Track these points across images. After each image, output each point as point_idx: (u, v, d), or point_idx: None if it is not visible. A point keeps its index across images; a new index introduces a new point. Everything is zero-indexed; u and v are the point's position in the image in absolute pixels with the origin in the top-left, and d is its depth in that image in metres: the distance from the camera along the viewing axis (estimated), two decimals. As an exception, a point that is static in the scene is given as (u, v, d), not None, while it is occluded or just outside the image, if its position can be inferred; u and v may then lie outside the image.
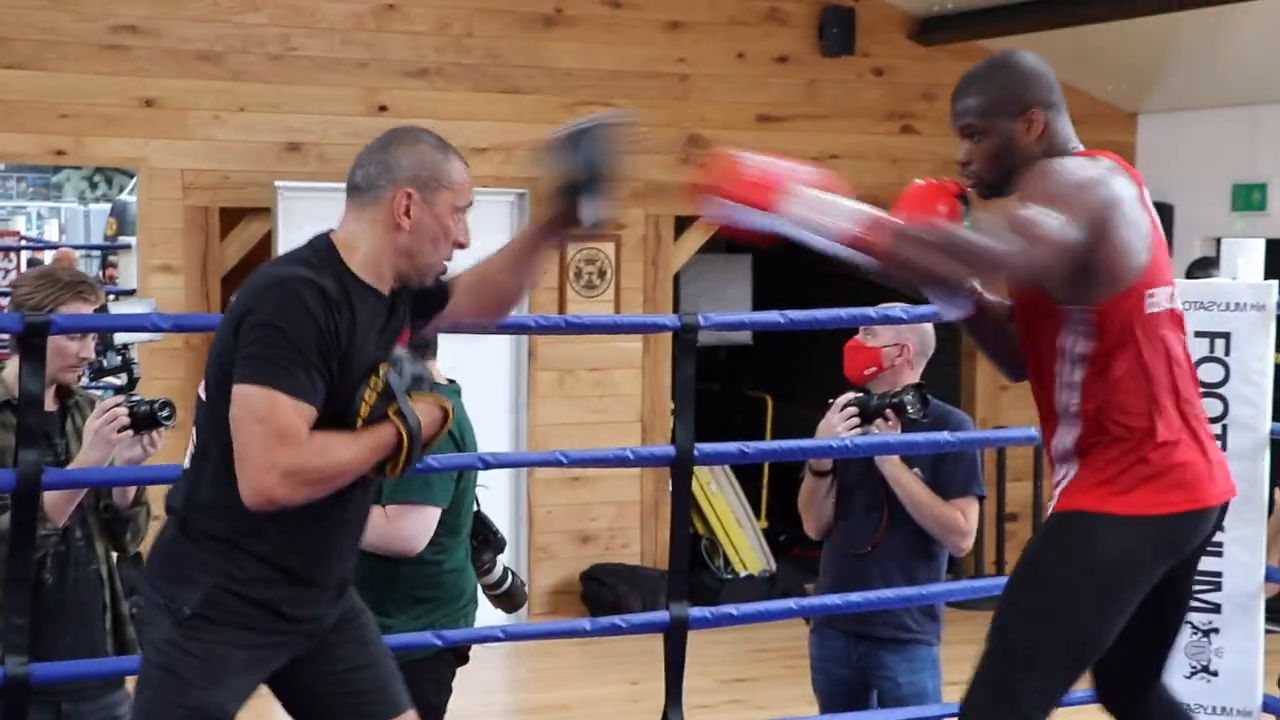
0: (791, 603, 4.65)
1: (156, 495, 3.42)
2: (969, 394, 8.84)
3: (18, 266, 11.62)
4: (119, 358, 4.12)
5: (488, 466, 3.88)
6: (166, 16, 7.64)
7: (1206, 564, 3.96)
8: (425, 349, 4.01)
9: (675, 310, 8.58)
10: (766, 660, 7.59)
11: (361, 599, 3.32)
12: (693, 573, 8.32)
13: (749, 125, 8.63)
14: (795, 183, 2.93)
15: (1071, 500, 3.12)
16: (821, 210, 2.90)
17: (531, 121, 8.10)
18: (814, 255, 2.99)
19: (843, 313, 4.18)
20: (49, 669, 3.54)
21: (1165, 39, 8.40)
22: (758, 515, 9.52)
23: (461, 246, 3.08)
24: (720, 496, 9.21)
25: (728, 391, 11.01)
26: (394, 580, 3.89)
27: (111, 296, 7.89)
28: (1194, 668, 4.34)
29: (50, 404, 3.69)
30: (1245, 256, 4.40)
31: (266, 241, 7.73)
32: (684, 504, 4.06)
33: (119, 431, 3.61)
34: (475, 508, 4.10)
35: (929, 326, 4.34)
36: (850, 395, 4.31)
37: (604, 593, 8.26)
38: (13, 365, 3.66)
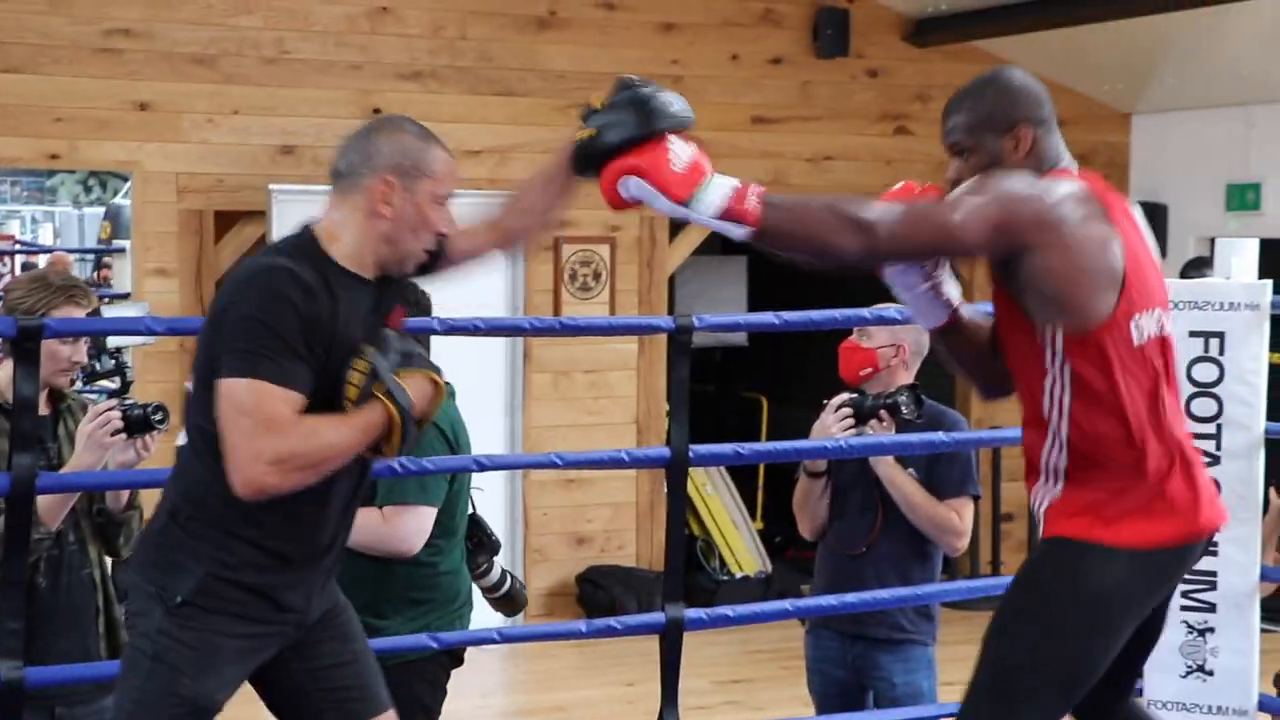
0: (787, 604, 4.65)
1: (150, 499, 3.41)
2: (964, 394, 8.83)
3: (12, 270, 11.62)
4: (112, 361, 4.12)
5: (483, 468, 3.88)
6: (160, 20, 7.64)
7: (1202, 563, 3.96)
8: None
9: (670, 312, 8.58)
10: (762, 661, 7.60)
11: (356, 600, 3.32)
12: (688, 574, 8.29)
13: (743, 127, 8.64)
14: (707, 174, 2.90)
15: (1062, 526, 3.06)
16: (714, 194, 2.88)
17: (525, 124, 8.11)
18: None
19: (837, 314, 4.18)
20: (44, 673, 3.54)
21: (1159, 39, 8.40)
22: (753, 516, 9.52)
23: (443, 235, 3.07)
24: (716, 498, 9.21)
25: (723, 393, 11.02)
26: (388, 581, 3.89)
27: (105, 300, 7.90)
28: (1189, 667, 4.34)
29: (42, 408, 3.68)
30: (1239, 256, 4.40)
31: (261, 244, 7.71)
32: (679, 505, 4.06)
33: (112, 435, 3.60)
34: (471, 510, 4.10)
35: (923, 327, 4.34)
36: (844, 396, 4.31)
37: (600, 595, 8.26)
38: (4, 369, 3.65)
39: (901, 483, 4.27)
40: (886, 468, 4.27)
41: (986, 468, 8.75)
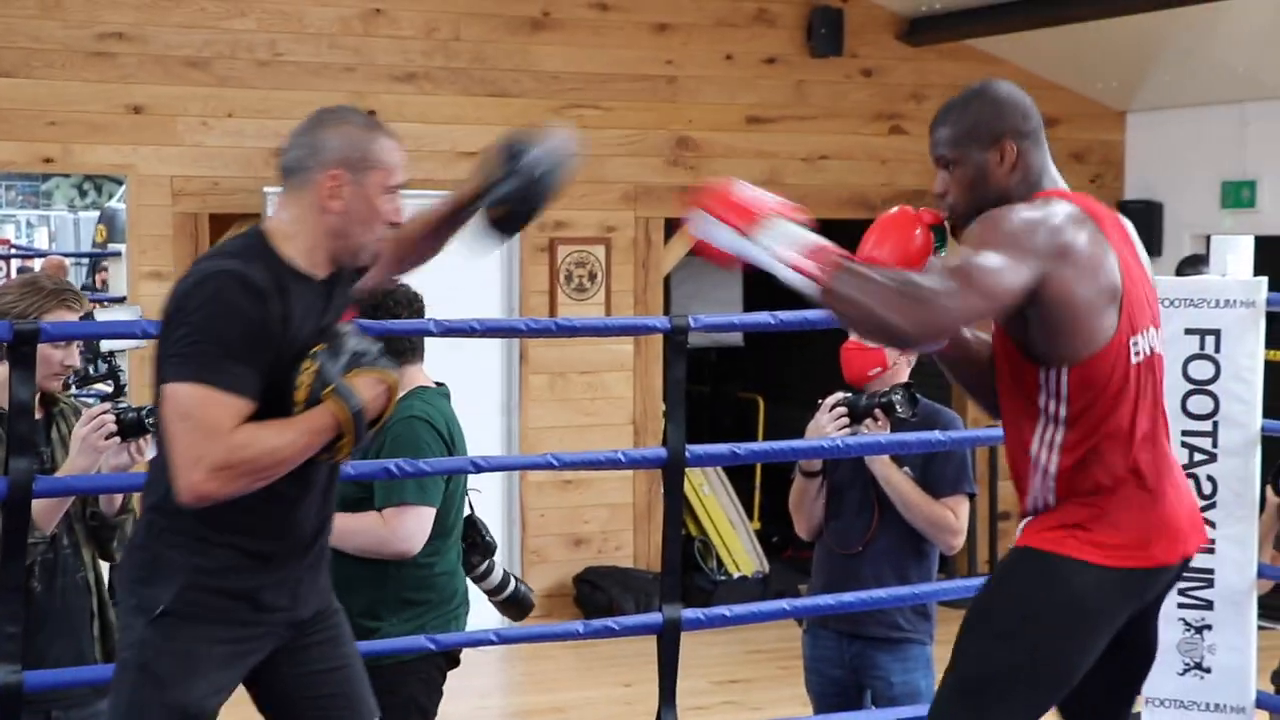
0: (784, 603, 4.64)
1: (145, 502, 3.41)
2: (959, 392, 8.83)
3: (7, 274, 11.61)
4: (105, 365, 4.12)
5: (479, 470, 3.88)
6: (153, 23, 7.63)
7: (1198, 561, 3.97)
8: (411, 351, 4.01)
9: (666, 312, 8.58)
10: (760, 661, 7.60)
11: (352, 603, 3.32)
12: (686, 574, 8.32)
13: (738, 127, 8.64)
14: (775, 214, 2.90)
15: (1038, 540, 3.04)
16: (784, 240, 2.88)
17: (519, 125, 8.08)
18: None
19: (833, 313, 4.17)
20: (42, 677, 3.54)
21: (1153, 37, 8.40)
22: (750, 516, 9.52)
23: (394, 226, 3.05)
24: (713, 498, 9.20)
25: (719, 393, 11.01)
26: (385, 583, 3.89)
27: (100, 304, 7.89)
28: (1187, 664, 4.34)
29: (35, 412, 3.68)
30: (1234, 253, 4.40)
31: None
32: (676, 506, 4.06)
33: (106, 439, 3.60)
34: (468, 512, 4.09)
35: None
36: (839, 395, 4.31)
37: (597, 595, 8.26)
38: (-3, 373, 3.65)
39: (897, 481, 4.26)
40: (882, 466, 4.27)
41: (983, 466, 8.75)
